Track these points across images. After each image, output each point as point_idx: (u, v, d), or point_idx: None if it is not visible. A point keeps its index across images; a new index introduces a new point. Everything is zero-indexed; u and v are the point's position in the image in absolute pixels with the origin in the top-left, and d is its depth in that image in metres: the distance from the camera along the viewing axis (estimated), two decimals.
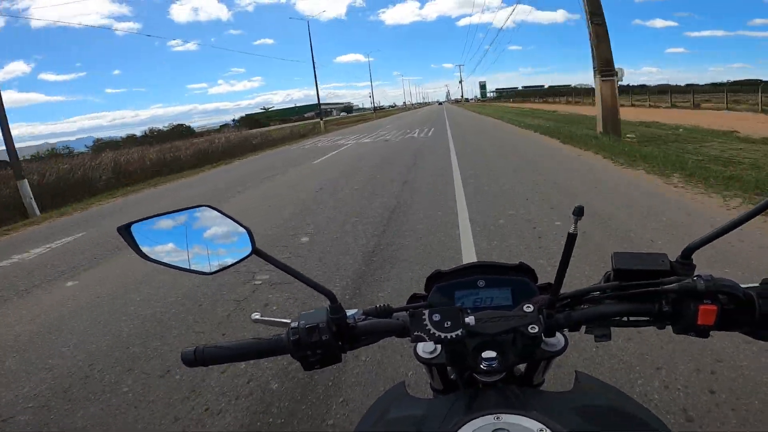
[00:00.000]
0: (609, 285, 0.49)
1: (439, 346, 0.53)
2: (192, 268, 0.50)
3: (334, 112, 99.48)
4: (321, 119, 31.52)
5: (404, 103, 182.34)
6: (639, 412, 0.46)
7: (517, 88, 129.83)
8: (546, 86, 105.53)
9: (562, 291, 0.49)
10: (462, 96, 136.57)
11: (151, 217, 0.51)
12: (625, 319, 0.49)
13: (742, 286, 0.45)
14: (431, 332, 0.46)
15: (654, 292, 0.47)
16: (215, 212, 0.50)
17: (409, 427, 0.46)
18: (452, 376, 0.56)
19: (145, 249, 0.50)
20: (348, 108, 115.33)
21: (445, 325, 0.46)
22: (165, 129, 47.29)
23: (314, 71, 30.49)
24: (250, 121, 77.01)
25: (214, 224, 0.51)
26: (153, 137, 38.36)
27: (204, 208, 0.50)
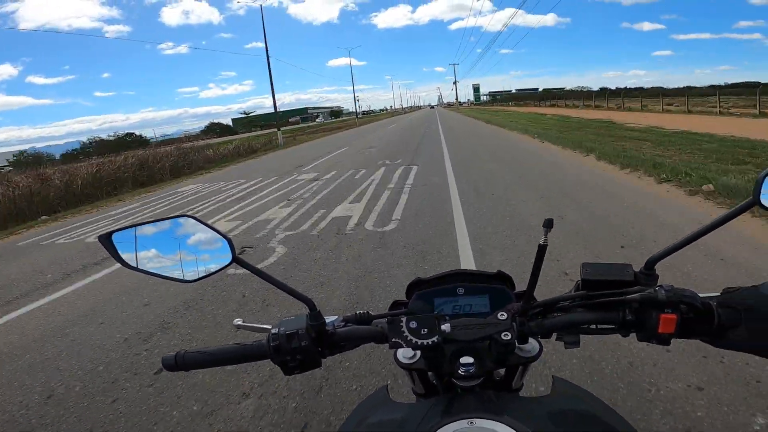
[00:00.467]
0: (578, 294, 0.51)
1: (418, 352, 0.54)
2: (174, 275, 0.51)
3: (321, 117, 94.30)
4: (278, 129, 22.21)
5: (391, 107, 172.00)
6: (611, 419, 0.47)
7: (510, 91, 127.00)
8: (540, 89, 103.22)
9: (534, 299, 0.52)
10: (456, 99, 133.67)
11: (132, 225, 0.51)
12: (592, 326, 0.51)
13: (701, 295, 0.47)
14: (408, 339, 0.48)
15: (619, 301, 0.49)
16: (196, 222, 0.51)
17: (387, 431, 0.48)
18: (433, 381, 0.58)
19: (126, 257, 0.51)
20: (337, 112, 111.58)
21: (422, 332, 0.48)
22: (111, 138, 43.45)
23: (268, 64, 21.46)
24: (221, 127, 72.53)
25: (196, 233, 0.52)
26: (93, 149, 34.45)
27: (185, 217, 0.52)
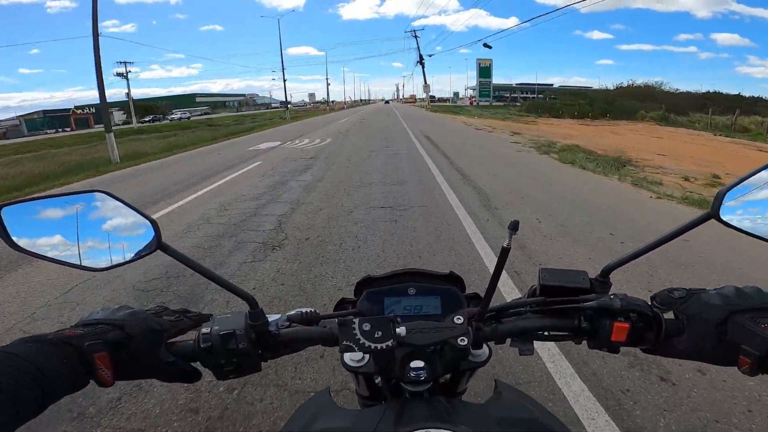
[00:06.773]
0: (535, 300, 0.51)
1: (367, 355, 0.51)
2: (79, 263, 0.44)
3: (180, 114, 57.95)
4: None
5: (311, 100, 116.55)
6: (554, 425, 0.47)
7: (511, 85, 78.09)
8: (556, 85, 74.34)
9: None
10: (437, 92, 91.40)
11: (28, 199, 0.44)
12: (546, 333, 0.51)
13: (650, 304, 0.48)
14: (361, 342, 0.45)
15: (575, 308, 0.49)
16: (113, 200, 0.45)
17: None
18: (377, 381, 0.56)
19: (19, 240, 0.43)
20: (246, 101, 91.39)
21: (376, 335, 0.45)
22: None
23: None
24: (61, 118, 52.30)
25: (111, 214, 0.45)
26: None
27: (99, 194, 0.45)
